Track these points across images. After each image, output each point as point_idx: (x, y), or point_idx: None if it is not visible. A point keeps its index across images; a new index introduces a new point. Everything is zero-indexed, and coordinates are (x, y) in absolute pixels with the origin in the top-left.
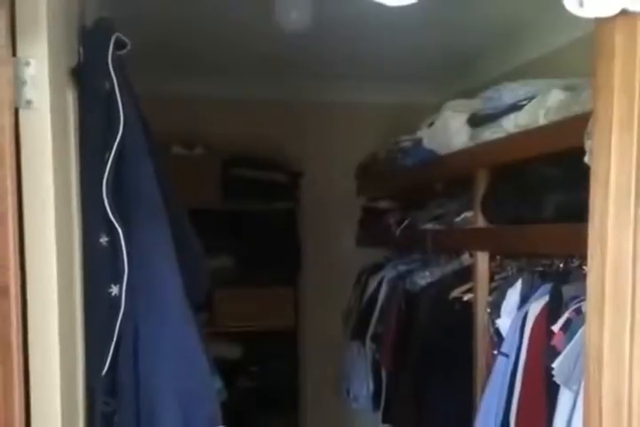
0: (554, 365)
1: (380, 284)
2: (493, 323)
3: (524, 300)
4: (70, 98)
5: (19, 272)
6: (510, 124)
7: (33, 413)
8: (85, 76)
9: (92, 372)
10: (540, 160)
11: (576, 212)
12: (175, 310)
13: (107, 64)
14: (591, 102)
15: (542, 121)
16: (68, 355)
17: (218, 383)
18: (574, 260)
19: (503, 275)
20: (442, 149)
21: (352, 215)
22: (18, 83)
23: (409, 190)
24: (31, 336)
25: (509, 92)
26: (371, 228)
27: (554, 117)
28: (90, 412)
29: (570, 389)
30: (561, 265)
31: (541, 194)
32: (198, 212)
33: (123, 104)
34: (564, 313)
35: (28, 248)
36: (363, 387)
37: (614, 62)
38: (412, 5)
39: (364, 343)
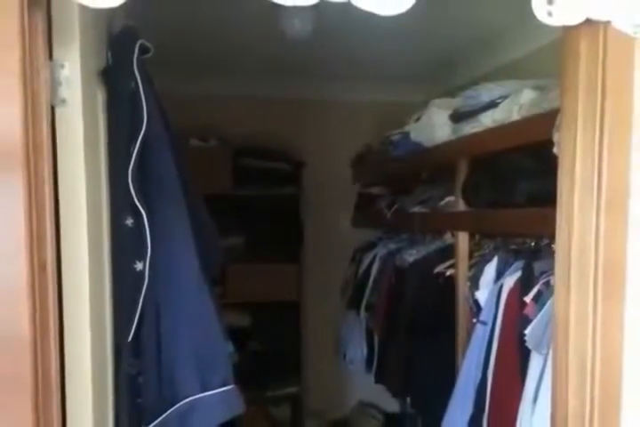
0: (526, 331)
1: (372, 260)
2: (473, 295)
3: (500, 274)
4: (99, 96)
5: (55, 250)
6: (487, 120)
7: (67, 372)
8: (113, 77)
9: (120, 338)
10: (513, 151)
11: (545, 197)
12: (193, 283)
13: (132, 66)
14: (559, 100)
15: (516, 117)
16: (98, 322)
17: (230, 348)
18: (544, 239)
19: (481, 252)
20: (427, 142)
21: (348, 200)
22: (54, 83)
23: (398, 178)
24: (66, 306)
25: (487, 92)
26: (365, 211)
27: (526, 114)
28: (117, 373)
29: (540, 353)
30: (532, 244)
31: (515, 181)
32: (212, 196)
33: (146, 102)
34: (534, 286)
35: (62, 229)
36: (357, 351)
37: (579, 65)
38: (402, 15)
39: (358, 313)
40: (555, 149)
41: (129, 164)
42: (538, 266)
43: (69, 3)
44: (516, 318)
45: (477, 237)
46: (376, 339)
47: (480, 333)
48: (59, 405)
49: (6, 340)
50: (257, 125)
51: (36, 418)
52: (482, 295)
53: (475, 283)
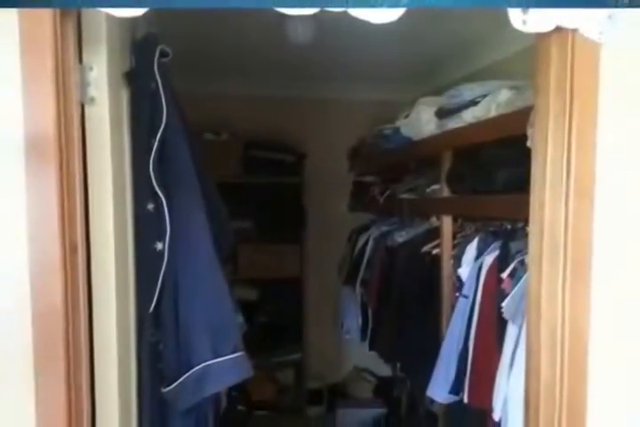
0: (503, 304)
1: (367, 241)
2: (456, 271)
3: (480, 253)
4: (124, 96)
5: (84, 232)
6: (469, 116)
7: (95, 340)
8: (136, 78)
9: (142, 310)
10: (492, 144)
11: (520, 184)
12: (207, 261)
13: (153, 69)
14: (532, 99)
15: (494, 113)
16: (122, 296)
17: (240, 319)
18: (519, 222)
19: (463, 234)
20: (415, 136)
21: (345, 187)
22: (83, 84)
23: (390, 168)
24: (94, 282)
25: (468, 91)
26: (360, 197)
27: (503, 111)
28: (140, 341)
29: (515, 323)
30: (508, 226)
31: (493, 170)
32: (224, 184)
33: (165, 100)
34: (511, 264)
35: (91, 214)
36: (353, 322)
37: (550, 68)
38: (393, 24)
39: (354, 287)
40: (528, 143)
41: (150, 155)
42: (513, 246)
43: (97, 12)
44: (494, 292)
45: (460, 220)
46: (370, 311)
47: (462, 305)
48: (87, 369)
49: (42, 312)
50: (264, 121)
51: (68, 381)
52: (464, 272)
53: (457, 261)
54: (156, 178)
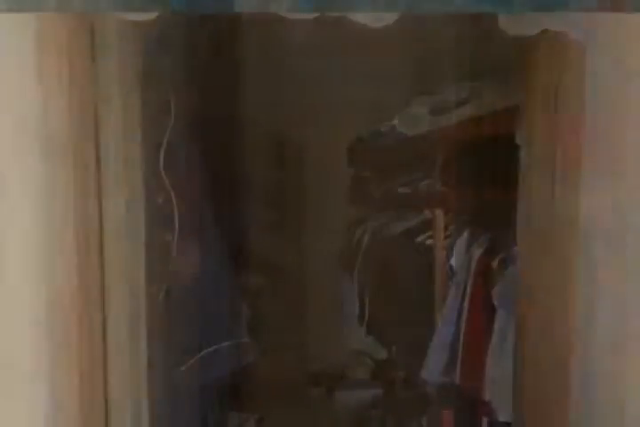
0: (492, 292)
1: (365, 232)
2: (448, 261)
3: (471, 243)
4: (135, 94)
5: (98, 224)
6: (461, 114)
7: (108, 322)
8: (147, 78)
9: (153, 297)
10: (482, 140)
11: (509, 180)
12: (214, 251)
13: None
14: (522, 97)
15: (485, 111)
16: (133, 286)
17: (245, 305)
18: (508, 214)
19: (455, 226)
20: (410, 133)
21: (344, 182)
22: (96, 83)
23: (386, 163)
24: (107, 274)
25: (461, 90)
26: (358, 191)
27: (494, 109)
28: (150, 326)
29: (504, 309)
30: (498, 218)
31: (483, 166)
32: (230, 179)
33: (174, 99)
34: (500, 253)
35: (104, 206)
36: (352, 307)
37: (538, 69)
38: (390, 30)
39: (352, 275)
40: (517, 139)
41: (160, 152)
42: (503, 237)
43: (110, 16)
44: (485, 280)
45: (451, 213)
46: (367, 297)
47: (454, 293)
48: (101, 351)
49: (56, 301)
50: None
51: (80, 366)
52: (455, 262)
53: (450, 251)
54: (165, 173)
